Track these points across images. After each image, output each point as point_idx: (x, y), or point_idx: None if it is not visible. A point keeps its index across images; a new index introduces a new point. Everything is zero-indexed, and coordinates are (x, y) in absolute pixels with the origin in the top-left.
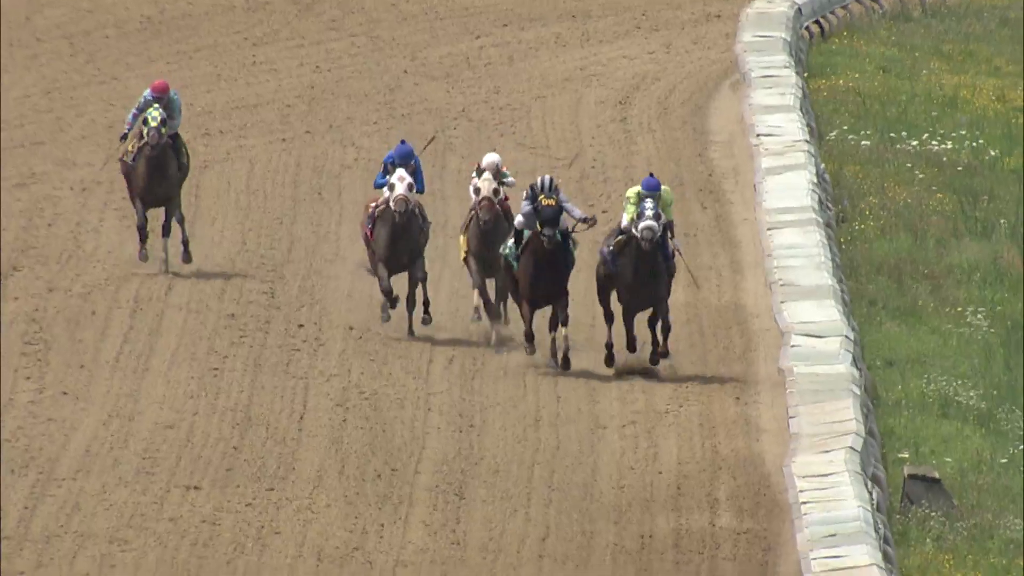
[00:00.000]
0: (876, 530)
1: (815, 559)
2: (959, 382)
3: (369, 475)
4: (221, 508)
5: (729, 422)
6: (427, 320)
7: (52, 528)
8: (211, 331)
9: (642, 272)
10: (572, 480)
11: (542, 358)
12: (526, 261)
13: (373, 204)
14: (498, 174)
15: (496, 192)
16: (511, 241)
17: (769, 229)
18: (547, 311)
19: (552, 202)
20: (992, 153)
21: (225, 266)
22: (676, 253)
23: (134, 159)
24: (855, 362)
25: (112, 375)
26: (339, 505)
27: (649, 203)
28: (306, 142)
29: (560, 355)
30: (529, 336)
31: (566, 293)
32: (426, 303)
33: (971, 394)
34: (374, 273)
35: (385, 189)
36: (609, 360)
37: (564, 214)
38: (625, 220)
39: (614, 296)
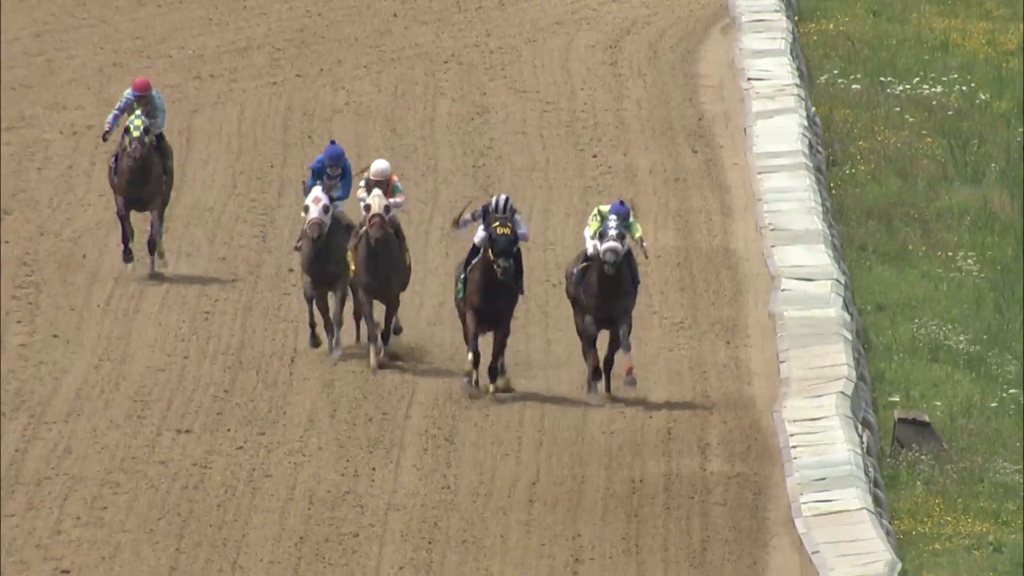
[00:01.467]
0: (866, 474)
1: (805, 503)
2: (949, 326)
3: (360, 419)
4: (212, 451)
5: (719, 366)
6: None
7: (43, 471)
8: (202, 274)
9: (610, 286)
10: (562, 424)
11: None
12: (476, 281)
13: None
14: (389, 187)
15: (387, 209)
16: (461, 274)
17: (759, 173)
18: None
19: (507, 231)
20: (982, 97)
21: (216, 210)
22: (645, 256)
23: (115, 167)
24: (845, 306)
25: (103, 318)
26: (330, 448)
27: (612, 221)
28: (297, 86)
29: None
30: (475, 358)
31: (508, 322)
32: (395, 330)
33: (961, 338)
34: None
35: (302, 209)
36: (592, 388)
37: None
38: (588, 237)
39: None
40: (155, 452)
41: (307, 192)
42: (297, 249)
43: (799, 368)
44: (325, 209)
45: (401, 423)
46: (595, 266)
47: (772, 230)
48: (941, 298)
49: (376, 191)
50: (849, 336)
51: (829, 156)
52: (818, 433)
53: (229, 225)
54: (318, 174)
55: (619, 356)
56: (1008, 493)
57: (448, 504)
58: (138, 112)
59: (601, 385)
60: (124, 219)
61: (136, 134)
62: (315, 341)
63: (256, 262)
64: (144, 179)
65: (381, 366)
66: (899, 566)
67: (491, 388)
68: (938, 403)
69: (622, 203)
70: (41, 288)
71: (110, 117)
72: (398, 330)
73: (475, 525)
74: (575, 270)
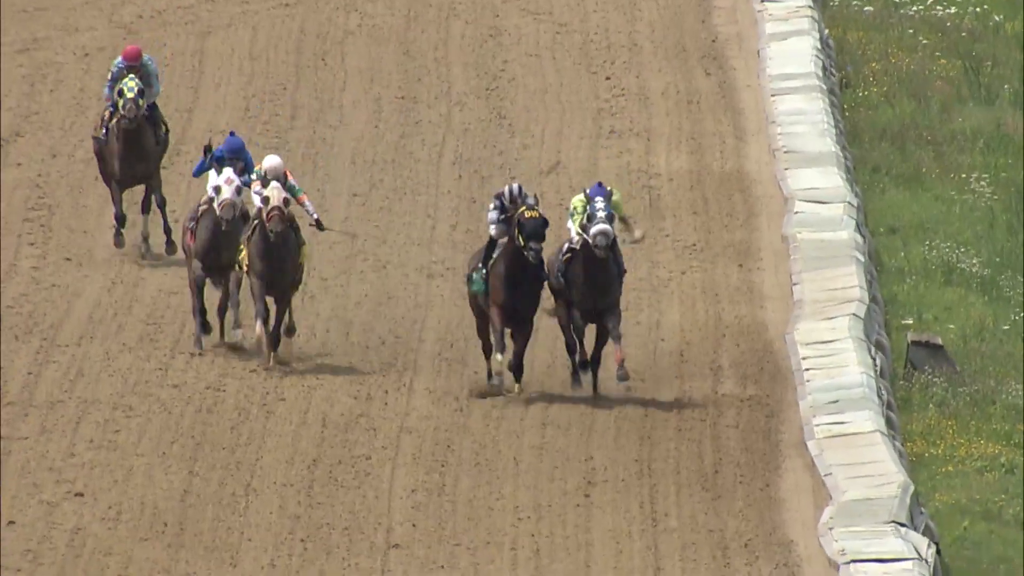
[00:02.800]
0: (879, 396)
1: (818, 425)
2: (962, 249)
3: (373, 343)
4: (226, 374)
5: (732, 289)
6: (237, 331)
7: (56, 394)
8: None
9: (597, 276)
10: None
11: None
12: (499, 273)
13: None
14: (284, 181)
15: (287, 201)
16: (480, 262)
17: (772, 96)
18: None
19: (536, 214)
20: (996, 18)
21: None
22: (638, 240)
23: (106, 134)
24: (858, 228)
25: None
26: (344, 371)
27: (599, 202)
28: (309, 8)
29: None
30: (503, 351)
31: (532, 321)
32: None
33: (974, 261)
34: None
35: (211, 189)
36: (580, 372)
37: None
38: (572, 231)
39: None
40: (168, 375)
41: (196, 173)
42: (188, 229)
43: (812, 291)
44: (238, 190)
45: (414, 347)
46: (579, 256)
47: (785, 153)
48: (954, 220)
49: (274, 183)
50: (862, 258)
51: (842, 78)
52: (831, 356)
53: None
54: (218, 161)
55: (609, 347)
56: (1020, 415)
57: (461, 427)
58: (131, 75)
59: (587, 379)
60: (118, 203)
61: (130, 95)
62: (206, 328)
63: None
64: (139, 149)
65: (279, 362)
66: (911, 488)
67: (517, 388)
68: (951, 325)
69: (600, 184)
70: (53, 211)
71: (105, 91)
72: (291, 330)
73: (487, 448)
74: (559, 262)
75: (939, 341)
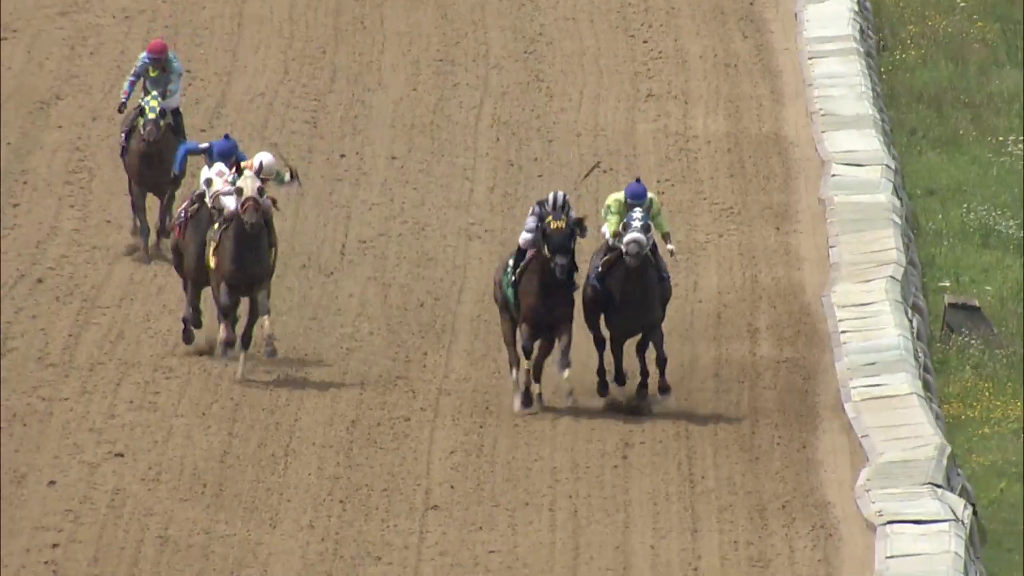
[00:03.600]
0: (916, 358)
1: (855, 388)
2: (999, 211)
3: (412, 304)
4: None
5: (769, 251)
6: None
7: (97, 356)
8: None
9: (632, 292)
10: None
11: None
12: (528, 284)
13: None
14: (259, 169)
15: (261, 192)
16: (509, 265)
17: (810, 58)
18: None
19: (562, 225)
20: None
21: (268, 95)
22: (671, 254)
23: (126, 145)
24: (896, 191)
25: (155, 203)
26: (382, 334)
27: (637, 212)
28: None
29: (565, 395)
30: (522, 371)
31: (571, 324)
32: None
33: (1011, 223)
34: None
35: (203, 183)
36: (601, 388)
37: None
38: (607, 233)
39: (604, 319)
40: (208, 336)
41: (182, 157)
42: (179, 224)
43: (849, 253)
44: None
45: (453, 308)
46: (618, 267)
47: (822, 115)
48: (991, 183)
49: (248, 172)
50: (899, 221)
51: (880, 41)
52: (868, 318)
53: (281, 110)
54: (207, 156)
55: (653, 360)
56: None
57: (499, 388)
58: (154, 93)
59: (616, 390)
60: (140, 210)
61: (152, 116)
62: (190, 334)
63: (308, 147)
64: (159, 161)
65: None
66: (948, 450)
67: (565, 374)
68: (988, 288)
69: (638, 181)
70: (94, 173)
71: (126, 84)
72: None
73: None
74: (597, 265)
75: (976, 303)
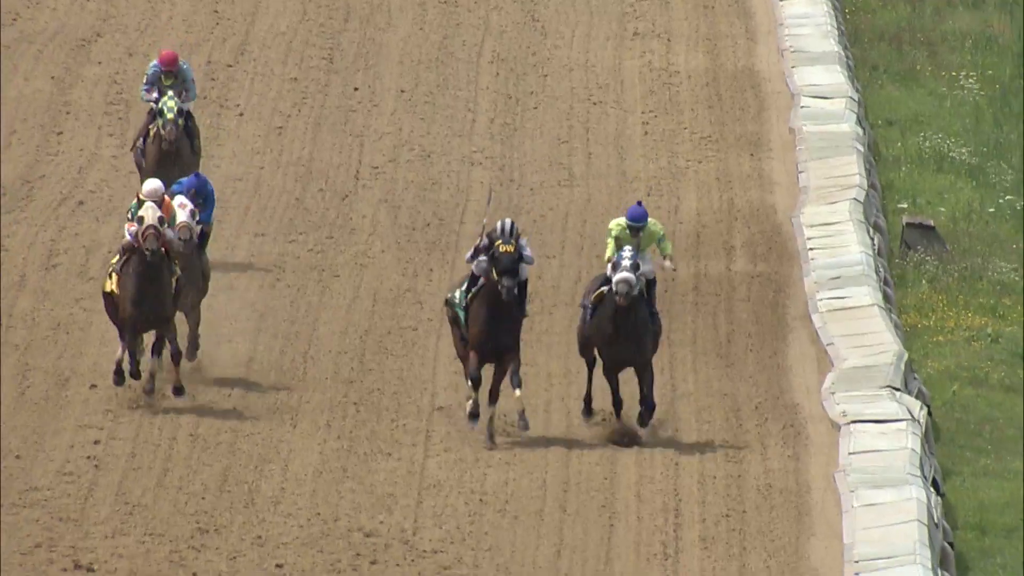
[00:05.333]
0: (877, 273)
1: (821, 299)
2: (952, 139)
3: (419, 224)
4: (285, 253)
5: (744, 176)
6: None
7: None
8: (275, 93)
9: (622, 328)
10: (602, 230)
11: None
12: (477, 310)
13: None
14: (160, 200)
15: (162, 220)
16: (460, 289)
17: (780, 0)
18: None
19: (511, 249)
20: None
21: (288, 34)
22: (672, 270)
23: (143, 147)
24: (858, 121)
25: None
26: (392, 251)
27: (627, 251)
28: None
29: (517, 417)
30: (475, 401)
31: (518, 348)
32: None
33: (963, 150)
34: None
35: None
36: (587, 412)
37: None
38: (608, 261)
39: (597, 353)
40: (234, 253)
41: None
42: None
43: (816, 177)
44: (192, 214)
45: (456, 228)
46: (608, 302)
47: (792, 52)
48: (945, 114)
49: (149, 203)
50: (861, 148)
51: None
52: (833, 236)
53: (299, 48)
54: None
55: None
56: (1005, 290)
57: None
58: (170, 93)
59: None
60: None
61: (170, 116)
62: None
63: (324, 82)
64: (175, 162)
65: (177, 391)
66: (906, 356)
67: (516, 394)
68: (942, 209)
69: (639, 204)
70: (131, 105)
71: (143, 93)
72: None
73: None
74: (586, 302)
75: (931, 223)
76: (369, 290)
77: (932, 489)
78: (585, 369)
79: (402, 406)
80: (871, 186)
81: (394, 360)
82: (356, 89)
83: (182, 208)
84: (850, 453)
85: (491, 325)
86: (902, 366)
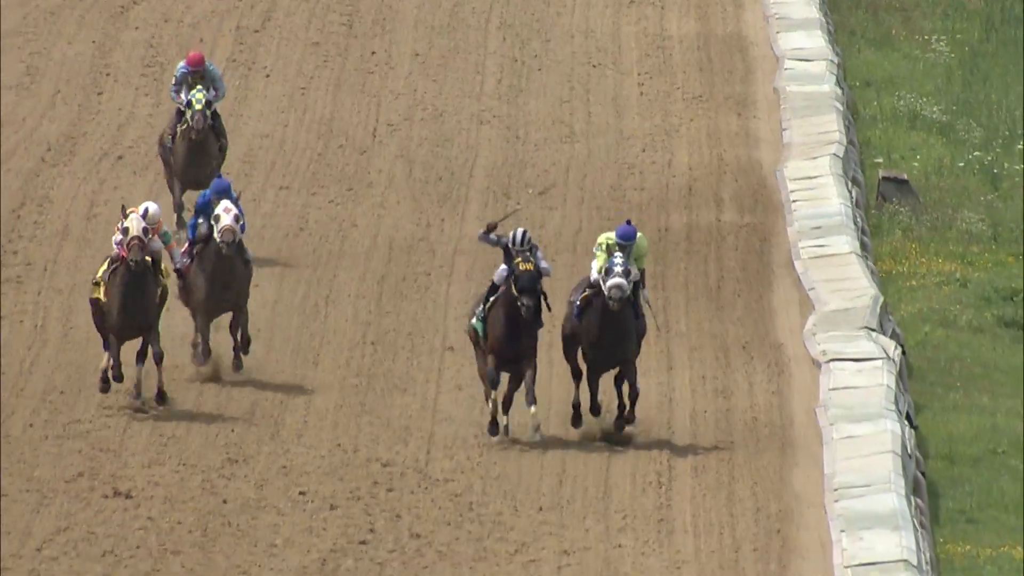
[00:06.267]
0: (855, 223)
1: (803, 247)
2: (924, 99)
3: (432, 178)
4: (308, 205)
5: (732, 134)
6: (239, 366)
7: (169, 222)
8: (299, 57)
9: (609, 329)
10: (601, 184)
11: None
12: (496, 318)
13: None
14: (145, 213)
15: (146, 232)
16: (480, 308)
17: None
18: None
19: (531, 267)
20: None
21: (311, 2)
22: (645, 304)
23: (172, 141)
24: (838, 82)
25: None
26: (407, 203)
27: (619, 258)
28: None
29: (531, 430)
30: (493, 408)
31: (535, 356)
32: (246, 343)
33: (934, 109)
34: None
35: (211, 220)
36: (576, 421)
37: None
38: (595, 269)
39: (581, 353)
40: (260, 206)
41: (191, 229)
42: (178, 270)
43: (799, 135)
44: (236, 218)
45: (466, 182)
46: (596, 303)
47: (777, 18)
48: (918, 75)
49: (134, 216)
50: (841, 107)
51: None
52: (814, 189)
53: (322, 15)
54: (203, 210)
55: (626, 394)
56: (973, 238)
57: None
58: (199, 86)
59: (592, 420)
60: (179, 207)
61: (199, 107)
62: (208, 353)
63: (344, 46)
64: (202, 155)
65: (139, 408)
66: (881, 300)
67: (533, 410)
68: (915, 163)
69: (628, 222)
70: (165, 68)
71: (173, 96)
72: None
73: None
74: (576, 300)
75: (905, 177)
76: (385, 239)
77: (905, 422)
78: (571, 378)
79: (416, 346)
80: (849, 142)
81: (408, 304)
82: (373, 53)
83: (227, 212)
84: (830, 389)
85: (510, 332)
86: (878, 309)
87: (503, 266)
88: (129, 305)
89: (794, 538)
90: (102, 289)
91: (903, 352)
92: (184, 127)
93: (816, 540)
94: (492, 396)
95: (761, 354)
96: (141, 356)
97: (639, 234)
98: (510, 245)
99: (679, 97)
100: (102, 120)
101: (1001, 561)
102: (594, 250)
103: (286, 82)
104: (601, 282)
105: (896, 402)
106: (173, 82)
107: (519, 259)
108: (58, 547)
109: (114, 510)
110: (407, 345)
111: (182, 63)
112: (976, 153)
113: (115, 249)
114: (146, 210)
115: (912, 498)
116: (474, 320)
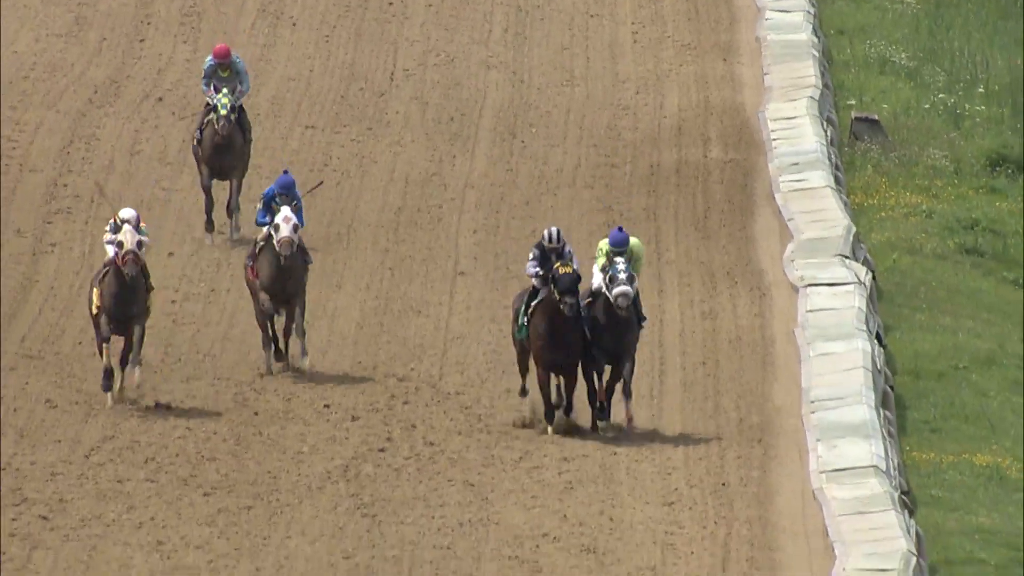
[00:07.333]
0: (830, 160)
1: (783, 182)
2: (893, 46)
3: (444, 118)
4: (332, 143)
5: (718, 78)
6: (304, 357)
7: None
8: (323, 7)
9: (611, 327)
10: (599, 124)
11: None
12: (538, 324)
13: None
14: (137, 228)
15: (140, 245)
16: (523, 313)
17: None
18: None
19: (569, 269)
20: None
21: None
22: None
23: (201, 134)
24: (815, 31)
25: (248, 40)
26: (421, 141)
27: (620, 264)
28: None
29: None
30: (549, 413)
31: (576, 362)
32: (302, 333)
33: (903, 55)
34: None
35: (269, 228)
36: (602, 414)
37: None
38: (596, 276)
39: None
40: (288, 143)
41: (260, 224)
42: (249, 265)
43: (779, 79)
44: (295, 228)
45: (475, 122)
46: (601, 302)
47: None
48: (887, 24)
49: (127, 227)
50: (817, 54)
51: None
52: (793, 129)
53: None
54: (269, 205)
55: (621, 401)
56: (937, 173)
57: (511, 183)
58: (225, 91)
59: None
60: (208, 190)
61: (223, 112)
62: (278, 356)
63: None
64: (228, 151)
65: (118, 401)
66: (854, 229)
67: (567, 420)
68: (885, 105)
69: (620, 229)
70: (201, 16)
71: (203, 89)
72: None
73: (532, 200)
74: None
75: (876, 117)
76: (402, 174)
77: (876, 341)
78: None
79: (430, 272)
80: (825, 86)
81: (423, 233)
82: (391, 3)
83: (286, 222)
84: (807, 311)
85: (555, 340)
86: (851, 238)
87: (533, 262)
88: (121, 308)
89: (774, 446)
90: (97, 294)
91: (873, 277)
92: (209, 127)
93: (794, 448)
94: (547, 420)
95: (744, 279)
96: (124, 359)
97: (633, 239)
98: (545, 243)
99: (670, 44)
100: (144, 65)
101: (962, 466)
102: (597, 253)
103: (311, 30)
104: (606, 289)
105: (867, 323)
106: (202, 75)
107: (558, 264)
108: (105, 454)
109: (155, 421)
110: (421, 271)
111: (209, 56)
112: (940, 96)
113: (107, 247)
114: (138, 219)
115: (881, 410)
116: (520, 321)
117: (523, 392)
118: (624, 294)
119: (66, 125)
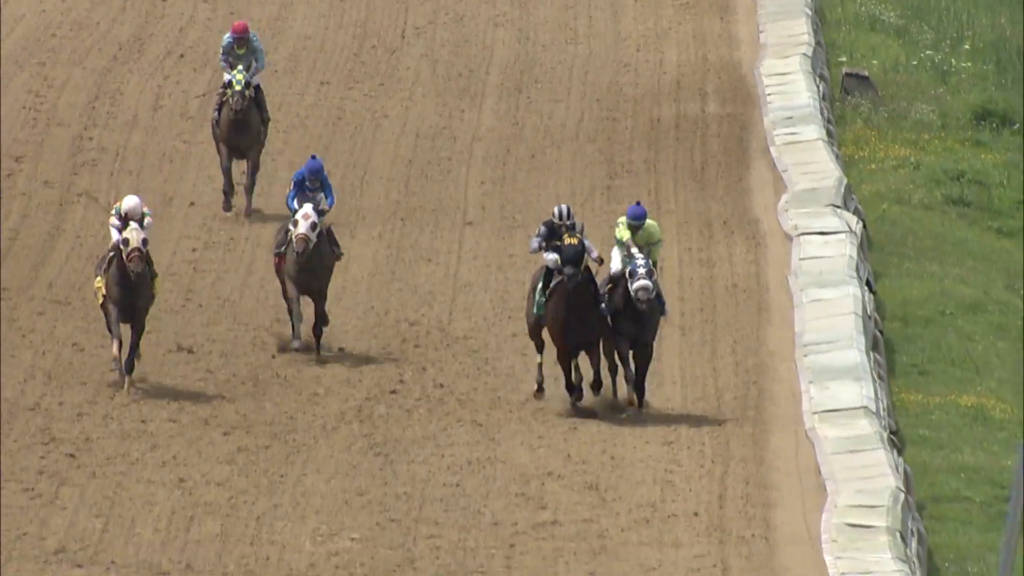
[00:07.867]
0: (822, 114)
1: (777, 135)
2: (883, 5)
3: (453, 74)
4: (345, 98)
5: (715, 36)
6: (320, 341)
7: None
8: None
9: (631, 315)
10: (601, 80)
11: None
12: (555, 305)
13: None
14: (141, 218)
15: (145, 242)
16: (538, 291)
17: None
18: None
19: (575, 241)
20: None
21: None
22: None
23: (219, 113)
24: None
25: (266, 0)
26: (431, 96)
27: (641, 259)
28: None
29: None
30: (571, 387)
31: (596, 339)
32: (323, 318)
33: (891, 14)
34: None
35: (291, 225)
36: (639, 393)
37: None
38: (615, 260)
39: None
40: (304, 99)
41: (289, 204)
42: (277, 255)
43: (773, 37)
44: (313, 226)
45: (483, 78)
46: (621, 290)
47: None
48: None
49: (133, 224)
50: (810, 12)
51: None
52: (787, 84)
53: None
54: (299, 186)
55: (631, 385)
56: (924, 127)
57: (517, 137)
58: (240, 67)
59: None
60: (227, 171)
61: (238, 87)
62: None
63: None
64: (245, 129)
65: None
66: (845, 181)
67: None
68: (875, 62)
69: (638, 203)
70: None
71: (222, 65)
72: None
73: (537, 153)
74: (603, 293)
75: (866, 73)
76: (412, 128)
77: (866, 288)
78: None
79: (439, 221)
80: (817, 43)
81: (433, 184)
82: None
83: (305, 219)
84: (800, 259)
85: (570, 318)
86: (842, 189)
87: (538, 239)
88: (126, 298)
89: (768, 388)
90: (103, 281)
91: (864, 226)
92: (225, 105)
93: (788, 390)
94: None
95: (740, 228)
96: (131, 353)
97: (650, 221)
98: (555, 220)
99: (669, 3)
100: (166, 23)
101: (948, 407)
102: (616, 232)
103: None
104: (628, 284)
105: (857, 270)
106: (220, 52)
107: (566, 234)
108: (129, 395)
109: (177, 363)
110: (431, 221)
111: (228, 34)
112: (927, 52)
113: (112, 232)
114: (141, 212)
115: (871, 353)
116: (536, 299)
117: (539, 390)
118: (644, 288)
119: (92, 81)
